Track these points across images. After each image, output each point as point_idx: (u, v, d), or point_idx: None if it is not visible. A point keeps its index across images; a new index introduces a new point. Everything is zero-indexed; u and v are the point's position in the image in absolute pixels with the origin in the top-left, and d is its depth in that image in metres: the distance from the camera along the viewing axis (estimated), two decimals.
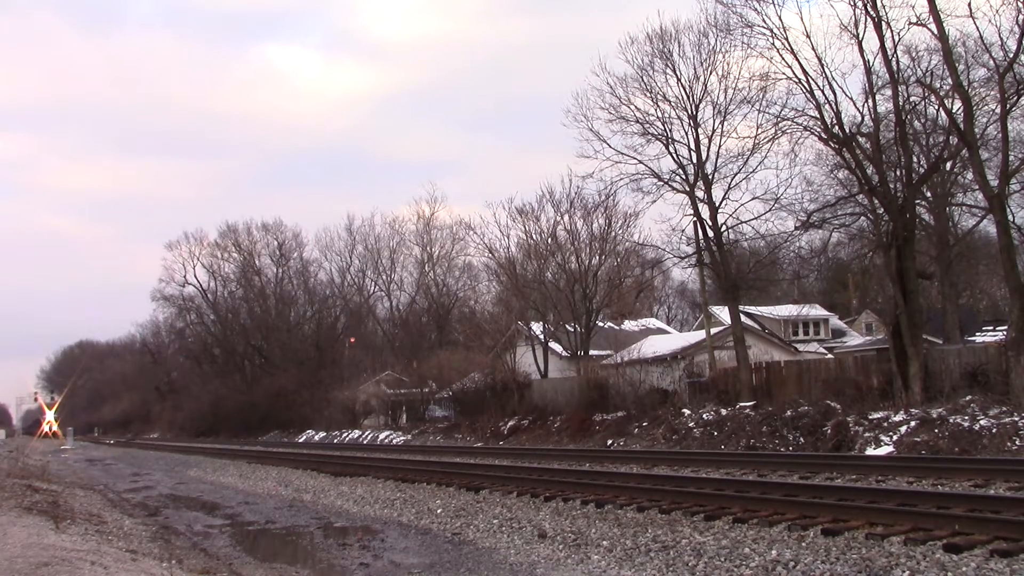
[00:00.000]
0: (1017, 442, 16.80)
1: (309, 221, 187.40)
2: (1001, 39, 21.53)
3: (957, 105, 22.43)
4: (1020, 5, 20.63)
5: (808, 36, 24.18)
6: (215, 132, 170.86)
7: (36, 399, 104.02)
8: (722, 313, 39.84)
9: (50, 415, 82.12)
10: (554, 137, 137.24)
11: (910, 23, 22.24)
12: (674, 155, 30.23)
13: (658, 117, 30.00)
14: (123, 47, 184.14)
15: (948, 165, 28.17)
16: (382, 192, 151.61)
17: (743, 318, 32.50)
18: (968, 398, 19.65)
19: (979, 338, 32.83)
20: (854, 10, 23.25)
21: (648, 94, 29.98)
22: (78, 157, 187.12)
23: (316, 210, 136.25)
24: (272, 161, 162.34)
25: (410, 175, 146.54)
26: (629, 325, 49.59)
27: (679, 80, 29.57)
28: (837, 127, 24.10)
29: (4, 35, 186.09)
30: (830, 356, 38.80)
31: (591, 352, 39.76)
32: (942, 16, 21.57)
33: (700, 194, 29.86)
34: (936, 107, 24.65)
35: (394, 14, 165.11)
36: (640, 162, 30.34)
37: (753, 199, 28.82)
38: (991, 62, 22.04)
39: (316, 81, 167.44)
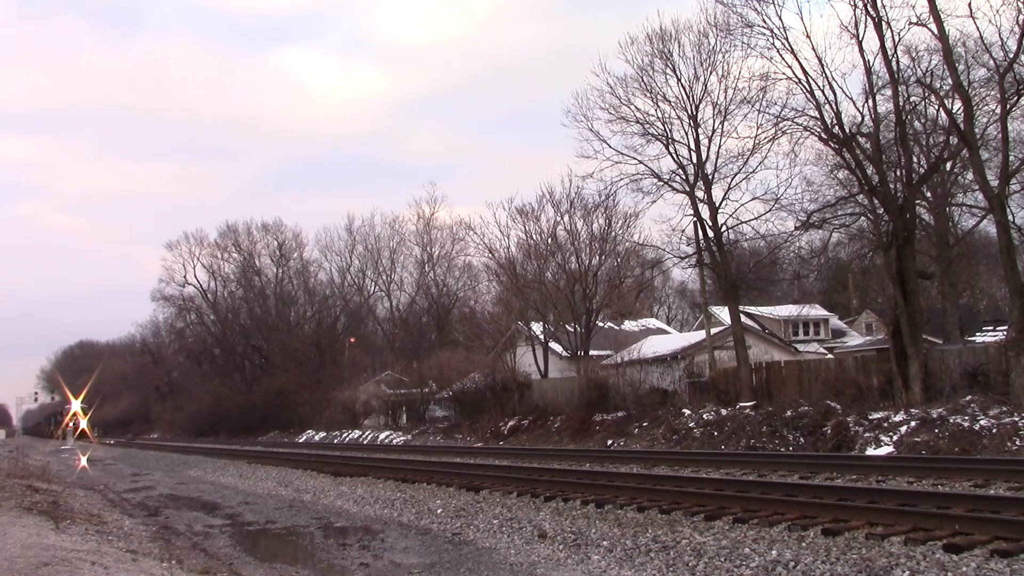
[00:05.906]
0: (1017, 442, 16.79)
1: (309, 221, 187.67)
2: (1001, 39, 21.55)
3: (957, 105, 22.42)
4: (1020, 5, 20.64)
5: (808, 36, 24.21)
6: (221, 134, 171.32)
7: (36, 398, 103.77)
8: (722, 313, 39.82)
9: (77, 405, 70.10)
10: (555, 137, 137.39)
11: (910, 23, 22.26)
12: (674, 155, 30.25)
13: (658, 117, 30.02)
14: (142, 50, 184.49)
15: (948, 165, 28.15)
16: (383, 193, 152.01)
17: (743, 318, 32.49)
18: (968, 398, 19.64)
19: (979, 338, 32.79)
20: (854, 10, 23.28)
21: (648, 94, 30.00)
22: (87, 158, 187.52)
23: (316, 210, 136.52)
24: (275, 163, 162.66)
25: (412, 176, 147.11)
26: (629, 325, 49.56)
27: (679, 80, 29.59)
28: (837, 127, 24.08)
29: (29, 39, 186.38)
30: (830, 356, 38.80)
31: (591, 352, 39.74)
32: (942, 16, 21.58)
33: (700, 194, 29.87)
34: (936, 107, 24.63)
35: (409, 18, 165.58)
36: (640, 162, 30.36)
37: (753, 199, 28.85)
38: (991, 62, 22.05)
39: (332, 85, 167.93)
